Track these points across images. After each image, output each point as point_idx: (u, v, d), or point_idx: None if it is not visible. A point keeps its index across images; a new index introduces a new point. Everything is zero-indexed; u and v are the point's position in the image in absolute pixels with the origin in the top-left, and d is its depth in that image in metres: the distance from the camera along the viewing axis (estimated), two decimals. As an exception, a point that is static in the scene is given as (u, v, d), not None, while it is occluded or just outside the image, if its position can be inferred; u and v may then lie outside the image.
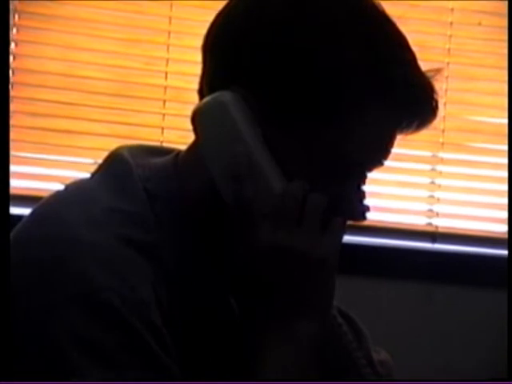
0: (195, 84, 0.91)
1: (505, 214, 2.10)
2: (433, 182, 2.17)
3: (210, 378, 0.86)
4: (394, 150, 0.90)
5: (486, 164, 2.18)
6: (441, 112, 0.89)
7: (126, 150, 0.93)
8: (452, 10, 2.17)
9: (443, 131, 2.14)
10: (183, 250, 0.88)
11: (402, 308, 2.08)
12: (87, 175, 0.95)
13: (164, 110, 2.10)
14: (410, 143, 2.05)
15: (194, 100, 0.91)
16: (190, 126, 0.89)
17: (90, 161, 2.03)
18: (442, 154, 2.17)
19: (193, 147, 0.92)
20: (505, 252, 1.99)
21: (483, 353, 2.05)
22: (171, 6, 2.10)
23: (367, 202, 0.91)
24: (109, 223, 0.85)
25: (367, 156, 0.88)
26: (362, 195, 0.91)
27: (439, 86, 0.88)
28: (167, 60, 2.11)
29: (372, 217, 0.95)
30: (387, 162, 0.91)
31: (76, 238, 0.82)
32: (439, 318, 2.08)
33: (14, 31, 2.04)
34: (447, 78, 2.13)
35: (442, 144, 2.15)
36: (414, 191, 2.16)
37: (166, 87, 2.10)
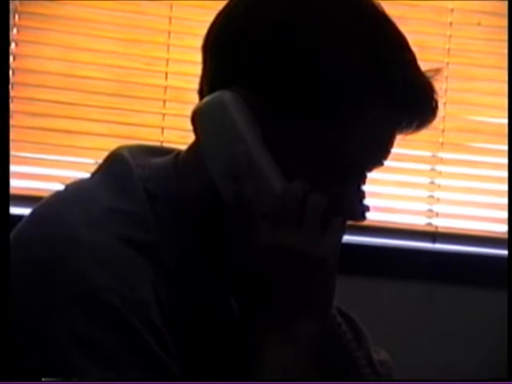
0: (195, 84, 0.91)
1: (505, 214, 2.10)
2: (432, 182, 2.17)
3: (210, 378, 0.86)
4: (394, 150, 0.90)
5: (486, 164, 2.18)
6: (441, 112, 0.89)
7: (126, 150, 0.93)
8: (452, 10, 2.17)
9: (443, 131, 2.14)
10: (183, 249, 0.88)
11: (403, 308, 2.07)
12: (87, 175, 0.95)
13: (164, 110, 2.09)
14: (409, 143, 2.04)
15: (194, 100, 0.91)
16: (189, 126, 0.89)
17: (90, 161, 2.03)
18: (441, 154, 2.16)
19: (193, 147, 0.92)
20: (505, 252, 1.99)
21: (484, 353, 2.05)
22: (171, 6, 2.10)
23: (367, 202, 0.91)
24: (109, 223, 0.85)
25: (367, 156, 0.88)
26: (362, 195, 0.91)
27: (439, 86, 0.88)
28: (167, 60, 2.10)
29: (372, 217, 0.95)
30: (387, 162, 0.91)
31: (76, 238, 0.82)
32: (440, 317, 2.08)
33: (14, 31, 2.04)
34: (447, 78, 2.13)
35: (442, 144, 2.15)
36: (413, 191, 2.16)
37: (166, 87, 2.10)
